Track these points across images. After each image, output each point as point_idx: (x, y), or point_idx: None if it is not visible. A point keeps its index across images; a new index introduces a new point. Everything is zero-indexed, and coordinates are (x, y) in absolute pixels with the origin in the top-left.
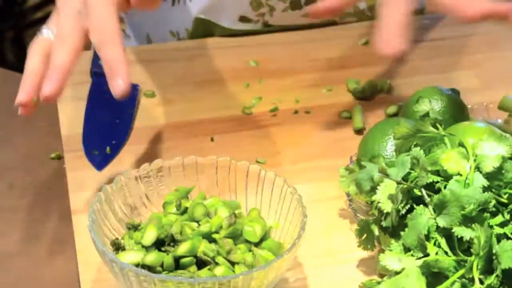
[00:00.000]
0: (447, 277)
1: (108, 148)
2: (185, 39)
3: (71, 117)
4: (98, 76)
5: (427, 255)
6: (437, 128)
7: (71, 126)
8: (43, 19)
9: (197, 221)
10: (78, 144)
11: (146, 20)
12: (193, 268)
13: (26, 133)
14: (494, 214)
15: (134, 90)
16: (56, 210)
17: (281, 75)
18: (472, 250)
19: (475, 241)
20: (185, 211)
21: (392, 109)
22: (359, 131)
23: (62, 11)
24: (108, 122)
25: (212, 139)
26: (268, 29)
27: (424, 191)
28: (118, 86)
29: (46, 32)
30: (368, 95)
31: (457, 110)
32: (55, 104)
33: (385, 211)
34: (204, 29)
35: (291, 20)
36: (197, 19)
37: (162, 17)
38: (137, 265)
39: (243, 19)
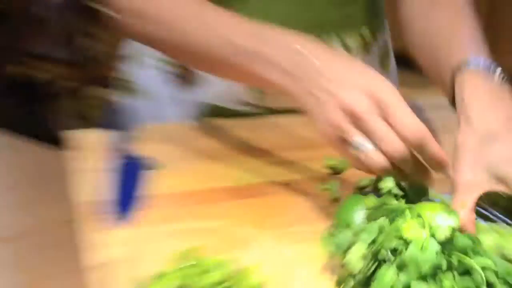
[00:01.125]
0: None
1: (126, 212)
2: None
3: (84, 186)
4: (129, 159)
5: None
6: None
7: (84, 194)
8: None
9: None
10: (89, 209)
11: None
12: None
13: (42, 199)
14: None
15: (145, 163)
16: (68, 269)
17: (270, 152)
18: None
19: None
20: None
21: (364, 181)
22: (335, 200)
23: (367, 117)
24: (130, 191)
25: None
26: (262, 110)
27: (389, 253)
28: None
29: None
30: (343, 170)
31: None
32: (66, 173)
33: (354, 270)
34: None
35: (283, 103)
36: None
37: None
38: None
39: (244, 103)
